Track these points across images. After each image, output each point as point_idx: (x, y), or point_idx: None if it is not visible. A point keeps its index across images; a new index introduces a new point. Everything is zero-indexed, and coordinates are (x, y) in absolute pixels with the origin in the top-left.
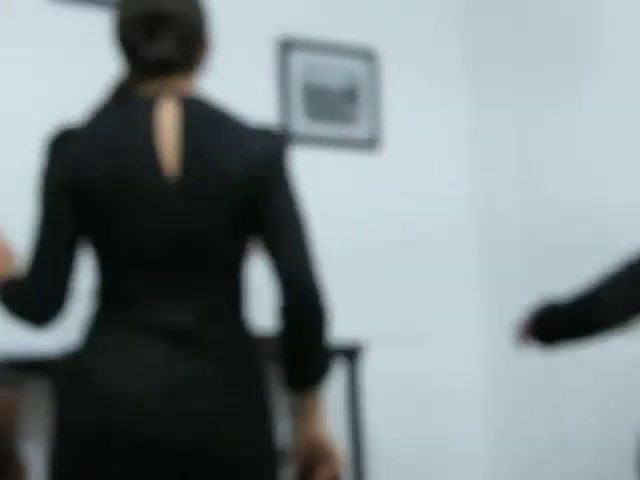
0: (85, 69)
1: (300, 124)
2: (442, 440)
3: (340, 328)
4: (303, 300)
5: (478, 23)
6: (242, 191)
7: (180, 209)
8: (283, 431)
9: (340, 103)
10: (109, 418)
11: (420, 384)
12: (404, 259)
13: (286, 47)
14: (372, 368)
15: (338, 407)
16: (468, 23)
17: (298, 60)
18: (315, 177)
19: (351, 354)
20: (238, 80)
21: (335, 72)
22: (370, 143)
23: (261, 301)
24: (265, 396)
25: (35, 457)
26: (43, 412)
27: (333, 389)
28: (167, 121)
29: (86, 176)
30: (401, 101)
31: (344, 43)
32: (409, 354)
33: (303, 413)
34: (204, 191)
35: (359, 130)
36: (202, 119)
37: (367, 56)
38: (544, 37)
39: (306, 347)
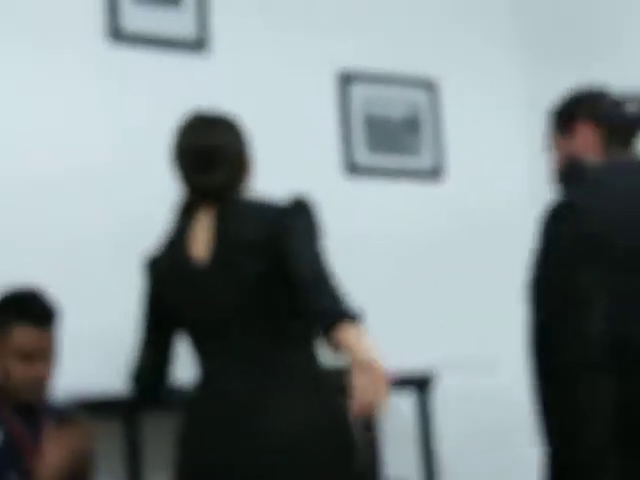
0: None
1: (362, 156)
2: (516, 469)
3: (409, 358)
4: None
5: (535, 47)
6: (260, 251)
7: (214, 287)
8: None
9: (402, 134)
10: None
11: (491, 410)
12: (471, 287)
13: (346, 80)
14: (443, 397)
15: (409, 437)
16: (526, 48)
17: (359, 92)
18: (378, 208)
19: (421, 384)
20: (301, 114)
21: (396, 103)
22: (433, 173)
23: None
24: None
25: None
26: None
27: (404, 420)
28: (201, 226)
29: (162, 291)
30: (462, 129)
31: (403, 74)
32: (480, 380)
33: (347, 346)
34: (229, 265)
35: (422, 160)
36: (231, 214)
37: (427, 86)
38: (603, 56)
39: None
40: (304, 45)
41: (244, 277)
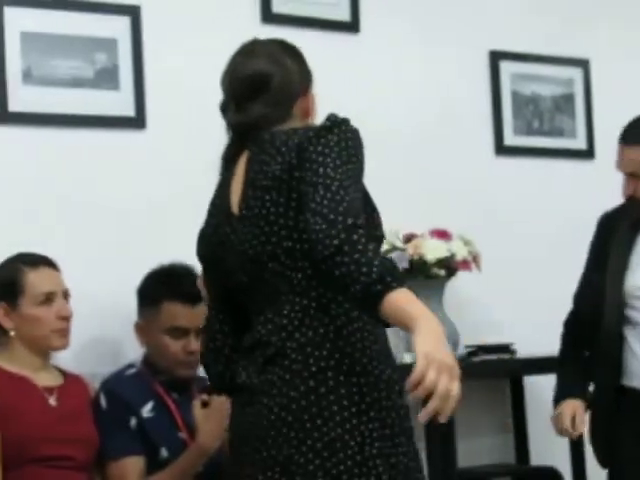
0: None
1: (512, 135)
2: None
3: None
4: (321, 255)
5: None
6: (280, 183)
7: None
8: None
9: (552, 113)
10: None
11: None
12: None
13: (496, 57)
14: None
15: None
16: None
17: (507, 70)
18: (528, 188)
19: None
20: (453, 92)
21: (546, 82)
22: (585, 152)
23: None
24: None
25: None
26: None
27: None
28: (239, 171)
29: (200, 251)
30: (612, 108)
31: (554, 54)
32: None
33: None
34: (257, 206)
35: (573, 140)
36: (263, 146)
37: (579, 64)
38: None
39: (350, 280)
40: (458, 25)
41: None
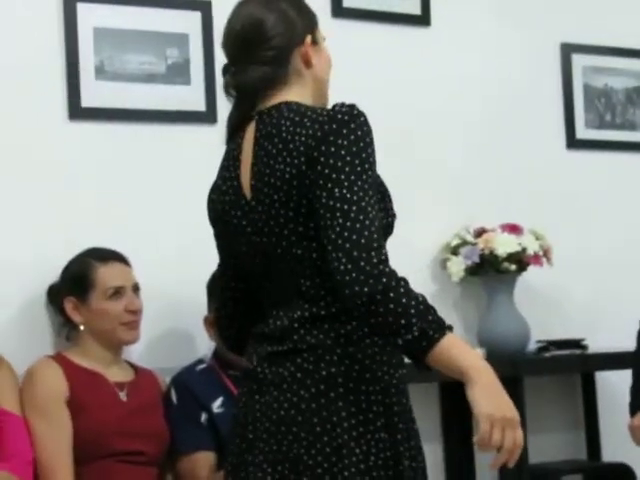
0: None
1: (584, 128)
2: None
3: None
4: (352, 303)
5: None
6: (290, 189)
7: (256, 226)
8: None
9: (625, 106)
10: None
11: None
12: None
13: (568, 50)
14: None
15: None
16: None
17: (579, 63)
18: (600, 182)
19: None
20: (525, 85)
21: (619, 74)
22: None
23: None
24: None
25: None
26: None
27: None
28: (246, 147)
29: (210, 217)
30: None
31: (627, 46)
32: None
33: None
34: (266, 203)
35: None
36: (270, 131)
37: None
38: None
39: (389, 332)
40: (526, 19)
41: (277, 217)
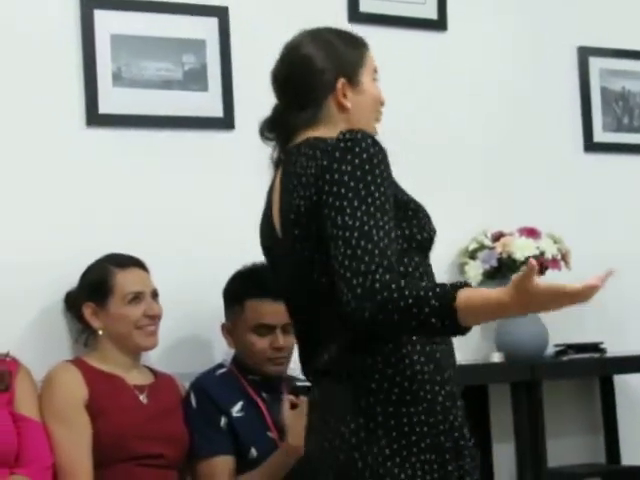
0: None
1: (601, 131)
2: None
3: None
4: (361, 330)
5: None
6: (308, 222)
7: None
8: None
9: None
10: None
11: None
12: None
13: (585, 53)
14: None
15: None
16: None
17: (596, 66)
18: (618, 184)
19: None
20: (542, 89)
21: (636, 77)
22: None
23: None
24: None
25: None
26: None
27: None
28: (277, 184)
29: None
30: None
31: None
32: None
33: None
34: (290, 239)
35: None
36: (289, 169)
37: None
38: None
39: (410, 332)
40: (542, 22)
41: (299, 257)
